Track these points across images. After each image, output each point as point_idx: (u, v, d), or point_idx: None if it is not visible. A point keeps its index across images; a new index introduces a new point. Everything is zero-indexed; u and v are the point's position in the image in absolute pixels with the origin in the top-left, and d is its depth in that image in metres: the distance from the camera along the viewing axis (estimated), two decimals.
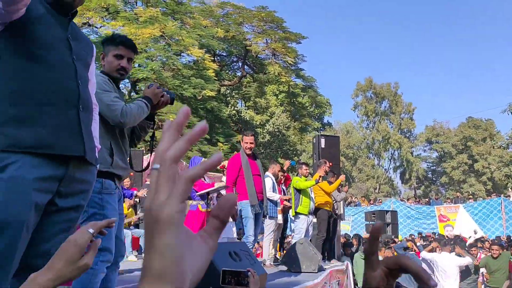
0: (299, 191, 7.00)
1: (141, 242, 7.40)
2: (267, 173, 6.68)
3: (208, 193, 5.12)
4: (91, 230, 1.04)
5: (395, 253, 8.35)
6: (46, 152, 1.61)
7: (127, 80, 19.87)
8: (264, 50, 20.74)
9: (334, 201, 7.76)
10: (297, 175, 7.43)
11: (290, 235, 8.64)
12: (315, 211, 7.27)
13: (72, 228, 1.77)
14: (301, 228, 6.88)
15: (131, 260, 7.16)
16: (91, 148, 1.80)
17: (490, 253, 8.13)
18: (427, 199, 26.68)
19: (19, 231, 1.52)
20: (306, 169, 7.30)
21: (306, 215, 6.94)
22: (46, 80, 1.66)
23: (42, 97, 1.63)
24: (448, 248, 7.81)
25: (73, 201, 1.74)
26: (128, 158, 2.58)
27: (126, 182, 7.54)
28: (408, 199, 26.26)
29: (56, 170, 1.65)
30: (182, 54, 18.14)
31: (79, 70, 1.79)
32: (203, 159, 6.08)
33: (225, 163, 7.32)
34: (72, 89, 1.73)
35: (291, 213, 7.27)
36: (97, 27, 18.18)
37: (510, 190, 25.05)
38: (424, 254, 8.04)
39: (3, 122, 1.55)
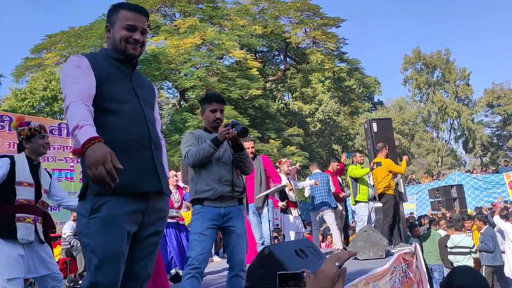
0: (356, 179, 7.04)
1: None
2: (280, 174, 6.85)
3: (267, 196, 5.32)
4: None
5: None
6: (130, 191, 1.90)
7: (175, 90, 20.59)
8: (304, 40, 20.65)
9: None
10: (352, 163, 7.48)
11: (353, 222, 8.67)
12: (380, 197, 7.27)
13: (155, 252, 2.10)
14: (362, 216, 6.92)
15: (216, 261, 7.48)
16: (165, 180, 2.12)
17: None
18: (495, 167, 25.45)
19: (120, 262, 1.86)
20: (361, 156, 7.33)
21: (366, 202, 6.97)
22: (123, 130, 1.94)
23: (121, 146, 1.89)
24: None
25: (154, 228, 2.06)
26: (227, 182, 3.06)
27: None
28: (474, 169, 25.18)
29: (139, 204, 1.95)
30: (224, 57, 18.50)
31: (147, 114, 2.08)
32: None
33: (283, 159, 7.48)
34: (144, 134, 2.01)
35: (350, 201, 7.33)
36: None
37: None
38: (497, 219, 7.74)
39: None
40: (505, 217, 7.57)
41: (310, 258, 3.89)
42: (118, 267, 1.85)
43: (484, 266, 7.72)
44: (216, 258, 7.60)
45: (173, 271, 5.63)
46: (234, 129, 2.89)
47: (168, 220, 5.86)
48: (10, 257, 3.18)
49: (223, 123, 3.01)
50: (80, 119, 1.71)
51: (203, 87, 15.70)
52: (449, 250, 7.77)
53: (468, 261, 7.58)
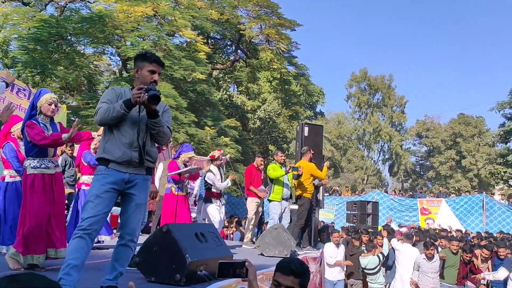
0: (271, 179, 7.07)
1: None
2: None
3: (180, 174, 5.14)
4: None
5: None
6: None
7: (118, 59, 19.71)
8: (258, 35, 20.57)
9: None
10: (272, 162, 7.52)
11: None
12: (297, 198, 7.34)
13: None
14: (274, 214, 6.96)
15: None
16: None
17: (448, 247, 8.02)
18: (411, 193, 26.98)
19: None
20: (282, 156, 7.37)
21: (279, 201, 7.01)
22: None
23: None
24: (410, 241, 8.08)
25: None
26: (137, 148, 2.88)
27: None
28: (394, 192, 26.55)
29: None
30: (174, 35, 17.96)
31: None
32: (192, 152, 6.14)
33: (216, 153, 7.37)
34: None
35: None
36: (90, 2, 17.91)
37: (495, 188, 25.40)
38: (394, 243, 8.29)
39: None
40: (407, 238, 8.02)
41: (210, 244, 3.79)
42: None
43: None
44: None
45: None
46: (146, 94, 2.71)
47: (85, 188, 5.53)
48: None
49: (138, 86, 2.80)
50: None
51: None
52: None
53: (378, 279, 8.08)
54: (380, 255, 8.06)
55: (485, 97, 66.52)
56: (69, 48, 15.95)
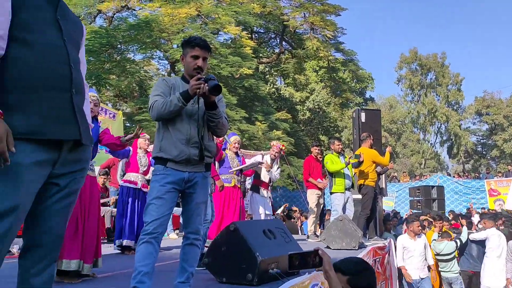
0: (330, 172, 6.83)
1: (181, 221, 7.51)
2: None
3: (241, 170, 5.05)
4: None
5: (444, 229, 8.05)
6: (39, 138, 1.62)
7: (166, 62, 20.09)
8: (302, 25, 20.20)
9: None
10: (327, 150, 7.28)
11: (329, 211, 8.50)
12: (360, 187, 7.08)
13: (72, 205, 1.82)
14: (337, 205, 6.73)
15: (172, 238, 7.31)
16: (86, 129, 1.82)
17: None
18: (476, 174, 25.61)
19: (18, 217, 1.57)
20: (339, 145, 7.10)
21: (342, 192, 6.76)
22: (37, 65, 1.64)
23: (33, 83, 1.62)
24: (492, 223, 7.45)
25: (70, 177, 1.77)
26: (196, 144, 2.73)
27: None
28: (458, 174, 25.32)
29: (50, 154, 1.67)
30: (219, 33, 18.03)
31: (71, 53, 1.77)
32: (236, 136, 5.99)
33: (273, 142, 7.23)
34: (64, 73, 1.72)
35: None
36: (135, 10, 18.35)
37: None
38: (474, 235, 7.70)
39: None
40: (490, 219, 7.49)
41: (279, 240, 3.66)
42: (11, 223, 1.56)
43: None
44: (173, 235, 7.40)
45: (117, 242, 5.38)
46: (206, 84, 2.55)
47: (129, 185, 5.58)
48: None
49: (196, 76, 2.63)
50: None
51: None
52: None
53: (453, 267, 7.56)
54: (458, 241, 7.54)
55: None
56: (119, 57, 16.42)
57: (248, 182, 8.36)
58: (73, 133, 1.74)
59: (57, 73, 1.69)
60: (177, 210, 7.91)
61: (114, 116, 10.55)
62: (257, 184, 6.87)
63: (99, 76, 15.17)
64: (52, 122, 1.66)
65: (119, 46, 16.17)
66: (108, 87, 17.45)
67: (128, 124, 16.94)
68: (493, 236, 7.25)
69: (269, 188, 6.97)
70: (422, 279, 6.73)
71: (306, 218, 11.41)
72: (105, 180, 8.13)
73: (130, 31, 15.36)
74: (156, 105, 2.65)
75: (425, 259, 6.86)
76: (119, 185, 7.82)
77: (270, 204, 7.08)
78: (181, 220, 7.96)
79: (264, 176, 6.82)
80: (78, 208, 3.57)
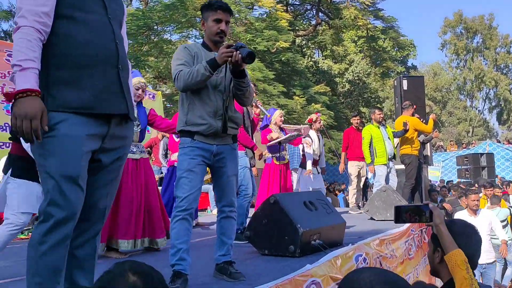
0: (370, 142, 6.61)
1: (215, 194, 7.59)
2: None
3: (280, 143, 4.99)
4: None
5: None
6: (91, 112, 1.69)
7: (201, 39, 20.12)
8: None
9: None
10: (368, 121, 7.08)
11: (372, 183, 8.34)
12: (403, 157, 6.89)
13: (116, 180, 1.90)
14: (380, 176, 6.56)
15: (214, 213, 7.41)
16: (132, 105, 1.87)
17: None
18: None
19: (78, 186, 1.66)
20: (380, 114, 6.88)
21: (385, 164, 6.58)
22: (87, 42, 1.70)
23: (84, 60, 1.68)
24: None
25: (115, 155, 1.85)
26: (222, 116, 2.67)
27: None
28: (506, 141, 24.15)
29: (101, 128, 1.75)
30: (254, 7, 17.77)
31: (116, 30, 1.83)
32: (278, 110, 5.87)
33: (314, 116, 7.09)
34: (111, 50, 1.78)
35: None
36: None
37: None
38: None
39: (50, 85, 1.63)
40: None
41: (320, 211, 3.63)
42: (76, 191, 1.64)
43: None
44: (215, 211, 7.48)
45: None
46: (238, 52, 2.45)
47: None
48: (32, 195, 3.27)
49: (225, 43, 2.55)
50: (26, 57, 1.52)
51: (228, 37, 15.19)
52: None
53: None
54: (511, 209, 7.20)
55: None
56: (156, 38, 16.57)
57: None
58: (122, 108, 1.80)
59: (105, 49, 1.75)
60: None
61: (153, 97, 10.71)
62: (305, 162, 6.83)
63: (138, 58, 15.40)
64: (103, 97, 1.72)
65: (155, 27, 16.29)
66: (147, 69, 17.72)
67: (169, 105, 17.19)
68: None
69: (317, 165, 6.88)
70: (488, 264, 5.80)
71: (339, 191, 11.28)
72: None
73: (165, 11, 15.40)
74: (181, 75, 2.55)
75: (491, 240, 6.02)
76: (161, 164, 7.98)
77: (321, 179, 6.99)
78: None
79: (308, 153, 6.75)
80: (134, 191, 3.72)
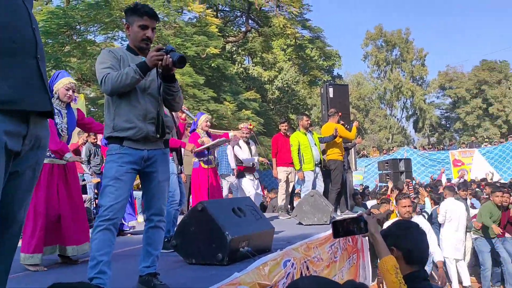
0: (298, 149, 6.77)
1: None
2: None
3: (208, 148, 4.92)
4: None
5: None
6: (11, 108, 1.42)
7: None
8: (267, 2, 19.96)
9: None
10: (297, 127, 7.25)
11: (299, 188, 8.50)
12: (329, 163, 7.08)
13: (33, 181, 1.62)
14: (307, 181, 6.71)
15: (139, 221, 7.13)
16: (51, 100, 1.62)
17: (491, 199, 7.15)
18: (441, 146, 26.35)
19: None
20: (307, 120, 7.06)
21: (312, 170, 6.75)
22: (3, 27, 1.43)
23: (2, 47, 1.42)
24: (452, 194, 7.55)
25: (33, 159, 1.58)
26: (152, 120, 2.56)
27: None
28: (423, 147, 25.97)
29: (19, 127, 1.47)
30: (183, 11, 17.54)
31: (31, 14, 1.55)
32: (204, 114, 5.83)
33: (241, 125, 7.12)
34: (29, 36, 1.51)
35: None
36: None
37: None
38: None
39: None
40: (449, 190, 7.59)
41: (249, 218, 3.58)
42: None
43: None
44: (140, 218, 7.25)
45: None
46: (169, 56, 2.38)
47: None
48: None
49: (155, 46, 2.45)
50: None
51: (157, 40, 14.82)
52: None
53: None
54: (425, 214, 7.64)
55: (508, 40, 63.83)
56: (79, 38, 15.76)
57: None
58: (45, 104, 1.55)
59: (22, 36, 1.48)
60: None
61: (75, 100, 10.15)
62: (241, 170, 6.86)
63: (58, 59, 14.53)
64: (24, 91, 1.46)
65: (78, 27, 15.50)
66: (69, 71, 16.78)
67: (93, 109, 16.42)
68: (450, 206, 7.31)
69: (254, 172, 6.96)
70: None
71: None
72: None
73: (89, 11, 14.70)
74: (109, 78, 2.42)
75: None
76: (84, 171, 7.55)
77: (259, 185, 7.06)
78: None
79: (247, 164, 6.83)
80: (56, 197, 3.50)
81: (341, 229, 2.03)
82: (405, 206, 5.08)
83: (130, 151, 2.50)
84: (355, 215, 2.07)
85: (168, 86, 2.56)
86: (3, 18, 1.42)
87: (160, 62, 2.39)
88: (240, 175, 6.93)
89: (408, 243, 2.03)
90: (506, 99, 36.34)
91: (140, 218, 7.28)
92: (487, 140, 28.84)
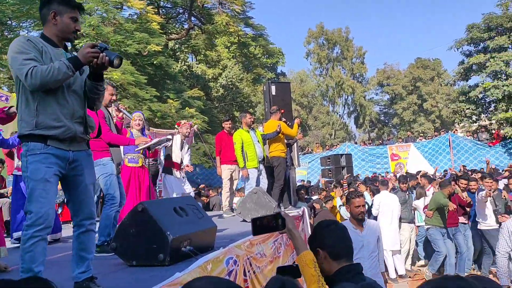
0: (242, 147, 6.81)
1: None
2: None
3: (149, 148, 4.84)
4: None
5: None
6: None
7: None
8: None
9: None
10: (239, 127, 7.30)
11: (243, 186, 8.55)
12: (272, 160, 7.17)
13: None
14: (251, 178, 6.79)
15: None
16: None
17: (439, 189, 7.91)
18: (380, 141, 27.50)
19: None
20: (250, 118, 7.14)
21: (256, 167, 6.82)
22: None
23: None
24: (387, 187, 7.99)
25: None
26: (80, 119, 2.47)
27: None
28: (364, 142, 26.97)
29: None
30: (123, 7, 17.04)
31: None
32: (136, 113, 5.74)
33: (183, 121, 7.01)
34: None
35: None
36: None
37: (457, 125, 26.14)
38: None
39: None
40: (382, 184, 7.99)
41: (191, 217, 3.57)
42: None
43: None
44: None
45: (15, 235, 5.00)
46: (105, 54, 2.33)
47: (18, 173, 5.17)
48: None
49: (89, 43, 2.38)
50: None
51: (96, 37, 14.31)
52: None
53: None
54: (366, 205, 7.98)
55: (442, 38, 67.83)
56: (11, 34, 14.89)
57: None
58: None
59: None
60: None
61: (7, 99, 9.59)
62: (169, 166, 6.62)
63: None
64: None
65: (9, 22, 14.63)
66: (1, 68, 15.81)
67: None
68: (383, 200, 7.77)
69: (182, 169, 6.72)
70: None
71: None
72: (0, 169, 7.40)
73: (20, 5, 13.92)
74: (37, 71, 2.26)
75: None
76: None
77: (187, 184, 6.83)
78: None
79: (176, 157, 6.60)
80: None
81: (259, 226, 2.08)
82: (359, 206, 4.35)
83: (56, 151, 2.37)
84: (274, 213, 2.12)
85: (95, 85, 2.49)
86: None
87: (95, 59, 2.33)
88: (166, 170, 6.63)
89: (329, 240, 2.08)
90: (439, 95, 38.57)
91: None
92: (422, 134, 30.49)
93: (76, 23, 2.50)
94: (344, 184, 9.93)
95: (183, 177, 6.69)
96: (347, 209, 4.65)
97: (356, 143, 27.23)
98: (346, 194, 6.77)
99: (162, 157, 6.86)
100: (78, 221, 2.53)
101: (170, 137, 5.84)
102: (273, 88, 8.23)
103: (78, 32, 2.54)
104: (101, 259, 3.67)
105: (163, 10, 21.97)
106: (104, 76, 2.54)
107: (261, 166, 6.98)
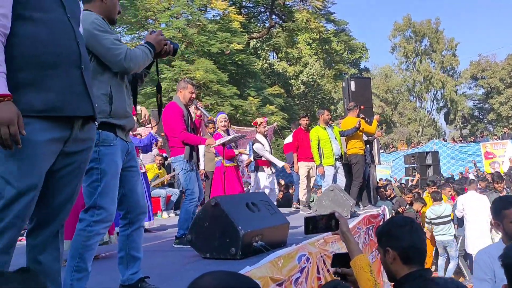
0: (318, 144, 6.72)
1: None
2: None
3: (223, 144, 4.95)
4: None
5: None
6: (56, 115, 1.62)
7: None
8: None
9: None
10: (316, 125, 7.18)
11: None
12: (350, 157, 7.01)
13: (77, 188, 1.81)
14: (328, 176, 6.67)
15: (164, 218, 7.28)
16: (95, 106, 1.81)
17: None
18: (473, 138, 25.61)
19: (35, 195, 1.59)
20: (328, 115, 7.00)
21: (332, 165, 6.69)
22: (49, 42, 1.63)
23: (46, 60, 1.61)
24: (474, 187, 7.29)
25: (76, 158, 1.78)
26: (131, 107, 2.40)
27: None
28: (454, 140, 25.31)
29: (64, 132, 1.68)
30: (207, 9, 17.68)
31: (76, 29, 1.76)
32: (222, 114, 5.92)
33: (259, 120, 7.14)
34: (74, 49, 1.72)
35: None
36: None
37: None
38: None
39: (13, 88, 1.53)
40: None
41: (263, 213, 3.61)
42: (29, 201, 1.57)
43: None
44: (165, 214, 7.41)
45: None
46: (169, 42, 2.41)
47: None
48: None
49: (158, 30, 2.42)
50: None
51: (182, 39, 15.01)
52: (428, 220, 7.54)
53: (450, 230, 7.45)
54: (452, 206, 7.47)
55: None
56: None
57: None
58: (87, 109, 1.73)
59: (68, 49, 1.69)
60: (171, 191, 7.87)
61: None
62: (260, 164, 6.82)
63: None
64: (68, 99, 1.66)
65: None
66: None
67: None
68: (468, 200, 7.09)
69: (271, 165, 6.89)
70: None
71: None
72: None
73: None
74: (133, 54, 2.18)
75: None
76: None
77: (274, 180, 7.00)
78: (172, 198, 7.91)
79: (264, 156, 6.79)
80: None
81: (311, 226, 2.02)
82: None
83: (121, 143, 2.26)
84: (328, 213, 2.05)
85: (146, 72, 2.50)
86: (49, 35, 1.62)
87: (165, 46, 2.38)
88: (257, 168, 6.81)
89: (403, 242, 1.90)
90: None
91: (165, 214, 7.43)
92: None
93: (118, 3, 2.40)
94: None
95: (273, 173, 6.85)
96: (498, 226, 2.64)
97: (445, 140, 25.64)
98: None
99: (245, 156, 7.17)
100: (134, 216, 2.37)
101: (244, 134, 5.96)
102: (352, 84, 8.03)
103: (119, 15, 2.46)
104: (178, 251, 3.87)
105: (245, 9, 22.42)
106: (187, 75, 2.61)
107: (338, 164, 6.84)
